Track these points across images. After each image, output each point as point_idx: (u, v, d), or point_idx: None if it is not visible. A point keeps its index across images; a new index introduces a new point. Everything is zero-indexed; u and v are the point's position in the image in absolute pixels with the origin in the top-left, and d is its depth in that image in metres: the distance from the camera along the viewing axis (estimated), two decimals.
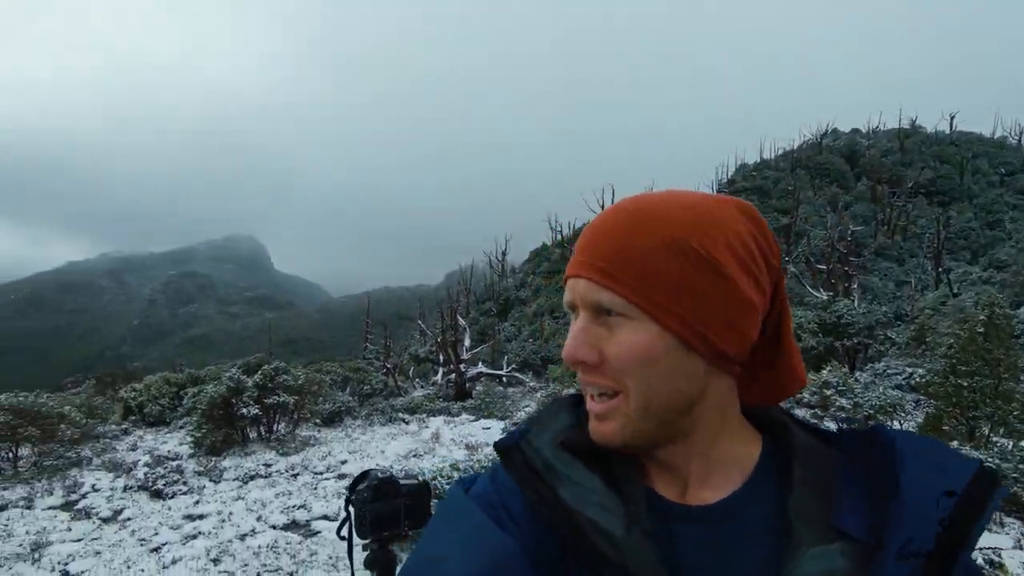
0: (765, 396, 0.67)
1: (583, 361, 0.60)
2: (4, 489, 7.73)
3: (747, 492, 0.62)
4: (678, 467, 0.63)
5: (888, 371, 11.26)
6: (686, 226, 0.59)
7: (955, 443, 6.27)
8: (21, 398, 9.16)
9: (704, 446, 0.63)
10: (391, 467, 8.27)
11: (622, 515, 0.58)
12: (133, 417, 14.10)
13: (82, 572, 5.16)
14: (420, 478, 1.27)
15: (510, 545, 0.58)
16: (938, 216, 27.47)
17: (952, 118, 47.20)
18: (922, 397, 8.97)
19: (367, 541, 1.20)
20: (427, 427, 11.39)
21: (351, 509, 1.21)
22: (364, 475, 1.25)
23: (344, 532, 1.21)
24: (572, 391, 0.81)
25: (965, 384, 6.60)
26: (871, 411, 7.86)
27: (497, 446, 0.69)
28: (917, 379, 10.09)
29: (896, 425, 7.93)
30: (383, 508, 1.18)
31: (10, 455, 8.63)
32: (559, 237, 45.60)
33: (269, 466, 8.60)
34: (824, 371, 9.28)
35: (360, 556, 1.22)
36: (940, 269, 23.28)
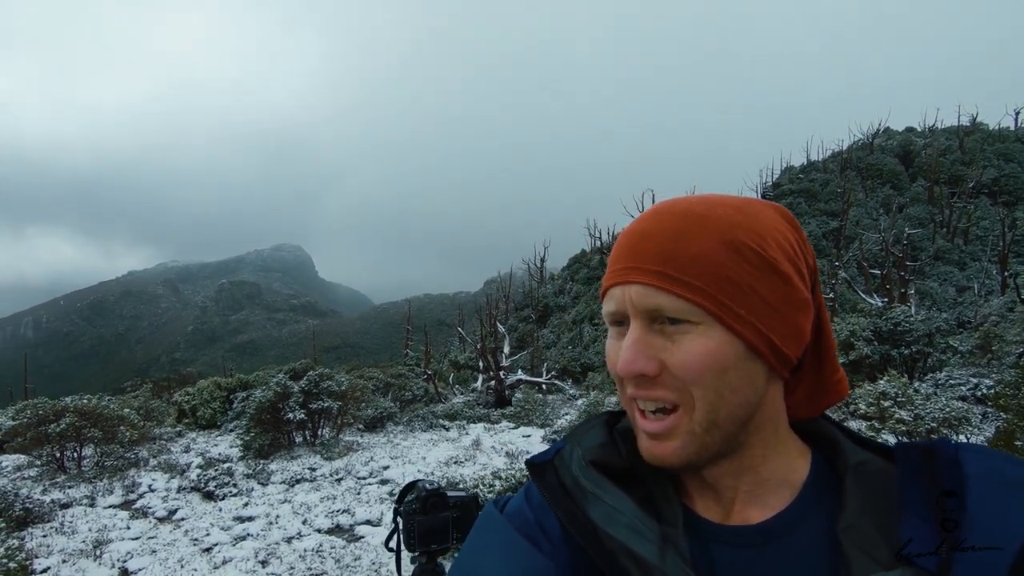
0: (807, 407, 0.63)
1: (642, 373, 0.55)
2: (70, 487, 8.14)
3: (795, 512, 0.57)
4: (726, 485, 0.60)
5: (951, 381, 10.62)
6: (739, 226, 0.56)
7: None
8: (85, 400, 9.66)
9: (756, 461, 0.59)
10: (432, 474, 8.33)
11: (655, 538, 0.56)
12: (187, 420, 14.67)
13: (140, 570, 5.36)
14: (468, 490, 1.24)
15: (547, 566, 0.58)
16: (1003, 217, 25.83)
17: (1018, 114, 44.52)
18: (990, 409, 8.43)
19: (415, 554, 1.18)
20: (467, 434, 11.42)
21: (399, 520, 1.20)
22: (411, 486, 1.23)
23: (392, 544, 1.19)
24: (614, 399, 0.77)
25: None
26: (934, 424, 7.41)
27: (529, 463, 0.67)
28: (984, 390, 9.50)
29: (963, 440, 7.46)
30: (431, 521, 1.16)
31: (75, 455, 9.09)
32: (598, 243, 45.26)
33: (314, 470, 8.78)
34: (881, 381, 8.82)
35: (408, 568, 1.20)
36: (1007, 273, 21.91)
